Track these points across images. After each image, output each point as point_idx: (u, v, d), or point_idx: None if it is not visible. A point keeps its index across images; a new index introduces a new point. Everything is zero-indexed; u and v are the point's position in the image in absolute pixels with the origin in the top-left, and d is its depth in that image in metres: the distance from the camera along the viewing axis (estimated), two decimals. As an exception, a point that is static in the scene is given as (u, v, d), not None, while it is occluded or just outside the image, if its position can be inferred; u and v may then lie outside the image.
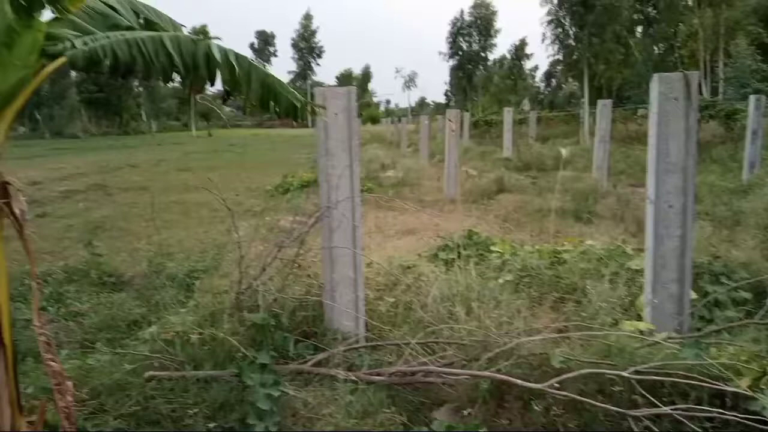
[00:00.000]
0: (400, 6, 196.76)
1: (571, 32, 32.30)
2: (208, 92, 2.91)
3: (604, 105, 12.30)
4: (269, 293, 3.87)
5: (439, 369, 3.12)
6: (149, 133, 60.19)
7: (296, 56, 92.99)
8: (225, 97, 2.67)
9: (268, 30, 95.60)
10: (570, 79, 47.33)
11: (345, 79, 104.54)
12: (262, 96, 2.59)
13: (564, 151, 6.56)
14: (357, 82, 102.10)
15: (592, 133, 28.04)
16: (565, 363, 3.06)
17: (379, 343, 3.58)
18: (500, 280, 4.76)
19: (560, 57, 35.44)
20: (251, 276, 3.96)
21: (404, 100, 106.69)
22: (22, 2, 2.04)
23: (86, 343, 4.25)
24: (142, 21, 2.80)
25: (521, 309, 3.96)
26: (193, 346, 3.34)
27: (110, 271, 6.16)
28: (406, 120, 42.26)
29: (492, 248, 5.91)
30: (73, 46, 2.31)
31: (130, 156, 25.52)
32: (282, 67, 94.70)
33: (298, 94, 2.75)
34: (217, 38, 2.92)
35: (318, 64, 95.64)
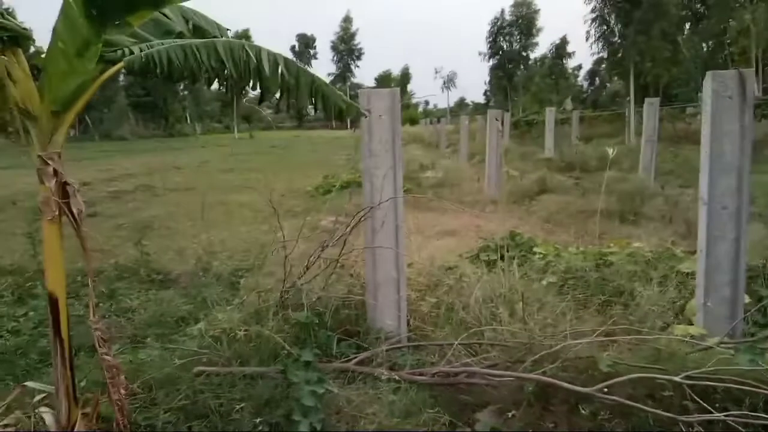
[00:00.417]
0: (439, 6, 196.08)
1: (616, 30, 31.51)
2: (252, 95, 2.98)
3: (651, 104, 11.98)
4: (312, 292, 3.93)
5: (483, 370, 3.10)
6: (193, 135, 61.76)
7: (336, 58, 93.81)
8: (278, 101, 2.72)
9: (309, 33, 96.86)
10: (615, 78, 46.18)
11: (384, 80, 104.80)
12: (311, 98, 2.64)
13: (611, 151, 6.39)
14: (395, 83, 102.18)
15: (637, 133, 27.36)
16: (613, 367, 3.00)
17: (421, 343, 3.59)
18: (544, 282, 4.69)
19: (604, 55, 34.65)
20: (295, 275, 4.03)
21: (443, 100, 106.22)
22: (96, 18, 2.13)
23: (136, 338, 4.41)
24: (191, 27, 2.89)
25: (566, 312, 3.90)
26: (239, 343, 3.41)
27: (158, 269, 6.35)
28: (444, 120, 42.10)
29: (535, 249, 5.83)
30: (131, 52, 2.40)
31: (175, 157, 26.23)
32: (321, 69, 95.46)
33: (344, 96, 2.79)
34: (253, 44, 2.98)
35: (357, 66, 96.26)
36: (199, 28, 2.94)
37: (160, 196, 13.38)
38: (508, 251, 5.40)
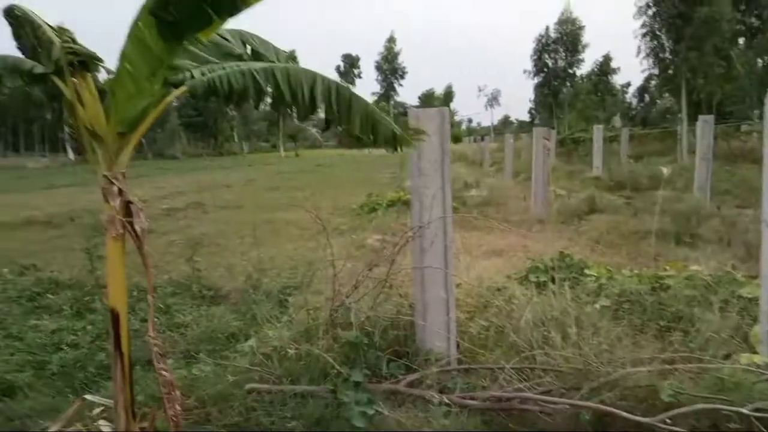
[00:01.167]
0: (482, 24, 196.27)
1: (667, 45, 30.70)
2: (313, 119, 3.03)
3: (706, 121, 11.59)
4: (361, 311, 3.93)
5: (537, 396, 3.02)
6: (241, 154, 63.36)
7: (380, 78, 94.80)
8: (327, 126, 2.76)
9: (354, 53, 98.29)
10: (665, 95, 44.95)
11: (427, 99, 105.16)
12: (362, 126, 2.67)
13: (665, 170, 6.20)
14: (439, 101, 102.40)
15: (690, 151, 26.47)
16: (675, 397, 2.89)
17: (472, 366, 3.53)
18: (597, 305, 4.56)
19: (655, 71, 33.74)
20: (343, 294, 4.04)
21: (486, 118, 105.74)
22: (169, 36, 2.22)
23: (189, 353, 4.49)
24: (249, 51, 2.97)
25: (622, 337, 3.77)
26: (290, 361, 3.44)
27: (209, 285, 6.49)
28: (488, 139, 41.85)
29: (586, 271, 5.68)
30: (192, 76, 2.49)
31: (224, 176, 26.92)
32: (366, 88, 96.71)
33: (394, 124, 2.81)
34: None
35: (401, 85, 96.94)
36: (257, 52, 3.03)
37: (209, 214, 13.72)
38: (558, 273, 5.29)
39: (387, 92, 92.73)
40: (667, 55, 30.77)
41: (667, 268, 5.81)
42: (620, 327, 3.96)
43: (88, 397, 3.15)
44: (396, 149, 2.83)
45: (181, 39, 2.27)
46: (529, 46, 63.37)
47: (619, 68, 56.89)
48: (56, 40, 2.65)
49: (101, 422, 3.03)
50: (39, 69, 2.74)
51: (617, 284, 5.08)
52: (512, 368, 3.29)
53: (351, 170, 30.72)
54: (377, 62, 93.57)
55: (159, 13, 2.17)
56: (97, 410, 3.18)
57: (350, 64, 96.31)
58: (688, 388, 2.98)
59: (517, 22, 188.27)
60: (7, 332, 5.11)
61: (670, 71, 31.26)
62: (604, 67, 57.33)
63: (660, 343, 4.09)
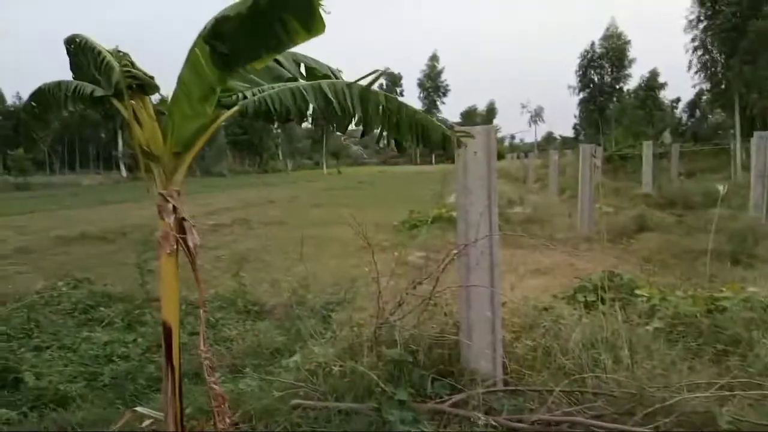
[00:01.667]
0: (525, 41, 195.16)
1: (719, 59, 29.79)
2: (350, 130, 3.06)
3: (761, 137, 11.16)
4: (405, 329, 3.90)
5: (588, 421, 2.92)
6: (285, 171, 64.52)
7: (422, 95, 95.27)
8: (377, 139, 2.79)
9: (396, 72, 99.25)
10: (717, 110, 43.52)
11: (469, 115, 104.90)
12: (413, 132, 2.68)
13: (721, 187, 5.96)
14: (481, 118, 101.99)
15: (744, 168, 25.48)
16: (734, 424, 2.75)
17: (518, 387, 3.45)
18: (650, 328, 4.40)
19: (706, 86, 32.79)
20: (386, 311, 4.03)
21: (530, 135, 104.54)
22: (221, 65, 2.30)
23: (236, 367, 4.56)
24: (303, 70, 3.05)
25: (676, 361, 3.63)
26: (334, 378, 3.44)
27: (254, 300, 6.58)
28: (532, 155, 41.34)
29: (637, 291, 5.51)
30: (244, 96, 2.56)
31: (269, 192, 27.43)
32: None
33: (445, 127, 2.81)
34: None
35: (443, 103, 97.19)
36: (311, 69, 3.10)
37: (255, 230, 13.98)
38: (607, 292, 5.15)
39: (429, 109, 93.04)
40: (720, 69, 29.84)
41: (723, 289, 5.56)
42: (674, 350, 3.82)
43: (138, 409, 3.22)
44: (445, 150, 2.85)
45: (232, 69, 2.35)
46: (574, 62, 62.68)
47: (666, 83, 55.40)
48: (116, 64, 2.78)
49: (151, 434, 3.09)
50: (99, 92, 2.87)
51: (670, 306, 4.89)
52: (561, 391, 3.19)
53: (392, 187, 30.84)
54: (419, 80, 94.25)
55: (213, 42, 2.24)
56: (147, 422, 3.26)
57: (392, 82, 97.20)
58: (748, 415, 2.84)
59: (560, 37, 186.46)
60: (61, 343, 5.29)
61: (723, 86, 30.29)
62: (651, 82, 55.97)
63: (717, 367, 3.91)
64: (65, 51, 3.20)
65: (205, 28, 2.23)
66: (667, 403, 2.83)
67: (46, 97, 3.10)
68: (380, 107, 2.66)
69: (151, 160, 2.67)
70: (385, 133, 2.73)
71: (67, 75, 3.21)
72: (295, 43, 2.20)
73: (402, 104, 2.74)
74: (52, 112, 3.21)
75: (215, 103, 2.56)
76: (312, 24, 2.12)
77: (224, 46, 2.20)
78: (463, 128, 3.63)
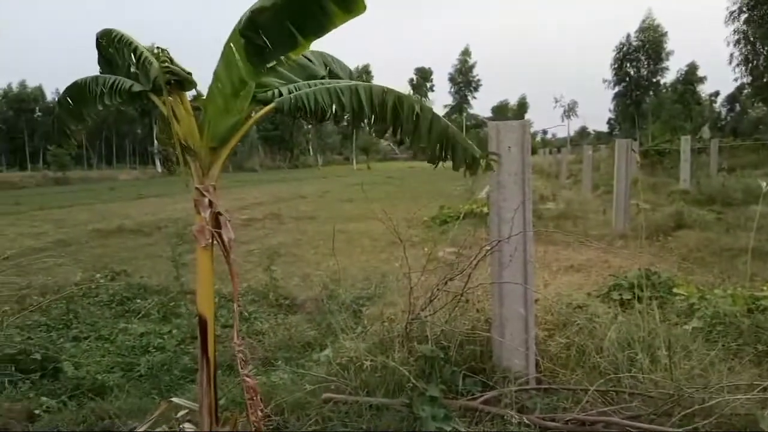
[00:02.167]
0: (558, 34, 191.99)
1: (762, 52, 28.76)
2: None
3: (808, 131, 10.73)
4: (436, 325, 3.88)
5: (624, 422, 2.86)
6: (315, 166, 64.98)
7: (453, 90, 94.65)
8: (400, 143, 2.78)
9: (426, 66, 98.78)
10: (758, 104, 42.08)
11: (500, 110, 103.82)
12: (440, 146, 2.67)
13: (764, 184, 5.75)
14: (512, 113, 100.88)
15: (788, 163, 24.59)
16: (777, 428, 2.65)
17: (552, 386, 3.40)
18: (688, 327, 4.29)
19: (746, 80, 31.72)
20: (418, 307, 4.01)
21: (563, 130, 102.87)
22: (258, 57, 2.32)
23: (268, 360, 4.61)
24: (327, 72, 3.06)
25: (716, 361, 3.53)
26: (365, 373, 3.44)
27: (285, 294, 6.65)
28: (565, 150, 40.71)
29: (674, 290, 5.37)
30: (280, 93, 2.57)
31: (299, 188, 27.70)
32: (438, 100, 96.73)
33: (475, 147, 2.78)
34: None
35: (474, 97, 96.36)
36: (334, 73, 3.11)
37: (286, 224, 14.11)
38: (644, 291, 5.03)
39: (460, 104, 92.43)
40: (762, 62, 28.83)
41: (765, 288, 5.39)
42: (714, 351, 3.71)
43: (174, 399, 3.28)
44: (474, 173, 2.81)
45: (268, 60, 2.36)
46: (608, 55, 61.40)
47: (705, 77, 53.71)
48: (154, 60, 2.82)
49: (186, 425, 3.15)
50: (138, 87, 2.91)
51: (709, 305, 4.76)
52: (596, 390, 3.14)
53: (421, 182, 30.72)
54: (450, 74, 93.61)
55: (248, 34, 2.25)
56: (182, 412, 3.31)
57: (423, 77, 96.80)
58: (793, 419, 2.73)
59: (595, 30, 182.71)
60: (98, 334, 5.44)
61: (765, 79, 29.25)
62: (690, 76, 54.37)
63: (757, 369, 3.80)
64: (95, 45, 3.22)
65: (240, 21, 2.24)
66: (706, 404, 2.75)
67: (82, 91, 3.13)
68: (414, 117, 2.65)
69: (188, 154, 2.70)
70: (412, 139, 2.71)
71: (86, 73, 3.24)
72: (335, 26, 2.18)
73: (435, 116, 2.72)
74: (88, 107, 3.23)
75: (250, 98, 2.58)
76: (352, 3, 2.08)
77: (260, 37, 2.20)
78: (493, 152, 3.59)
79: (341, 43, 3.33)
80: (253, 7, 2.10)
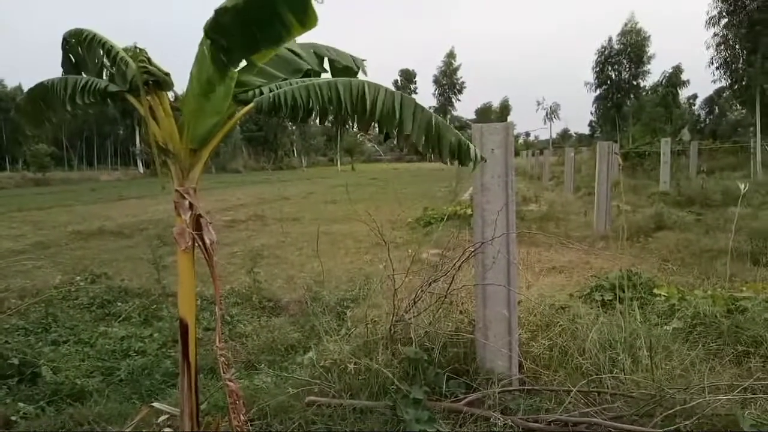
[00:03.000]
0: (540, 37, 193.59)
1: (741, 55, 29.19)
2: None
3: (785, 134, 10.93)
4: (420, 327, 3.88)
5: (606, 422, 2.88)
6: (300, 167, 64.72)
7: (437, 92, 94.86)
8: (385, 138, 2.75)
9: (410, 68, 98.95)
10: (737, 107, 42.77)
11: (484, 113, 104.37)
12: (427, 138, 2.64)
13: (743, 186, 5.85)
14: (495, 115, 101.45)
15: (765, 165, 25.04)
16: (757, 427, 2.69)
17: (535, 387, 3.42)
18: (668, 328, 4.34)
19: (725, 83, 32.18)
20: (402, 308, 4.01)
21: (545, 132, 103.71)
22: (223, 59, 2.28)
23: (251, 363, 4.57)
24: (326, 63, 3.02)
25: (696, 362, 3.57)
26: (349, 375, 3.43)
27: (269, 296, 6.60)
28: (548, 152, 41.05)
29: (655, 291, 5.43)
30: (261, 92, 2.54)
31: (283, 189, 27.51)
32: (422, 102, 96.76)
33: (462, 137, 2.76)
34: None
35: (459, 100, 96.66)
36: (334, 61, 3.07)
37: (269, 226, 14.02)
38: (625, 292, 5.08)
39: (444, 107, 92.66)
40: (741, 65, 29.29)
41: (744, 289, 5.48)
42: (694, 351, 3.76)
43: (155, 404, 3.24)
44: (461, 163, 2.78)
45: (233, 62, 2.32)
46: (590, 58, 61.95)
47: (688, 81, 54.37)
48: (130, 60, 2.77)
49: (167, 430, 3.11)
50: (113, 88, 2.85)
51: (690, 305, 4.82)
52: (579, 391, 3.15)
53: (406, 184, 30.78)
54: (435, 76, 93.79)
55: (214, 36, 2.21)
56: (162, 417, 3.27)
57: (407, 78, 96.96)
58: (773, 419, 2.77)
59: (576, 33, 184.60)
60: (78, 338, 5.34)
61: (744, 81, 29.74)
62: (674, 79, 55.02)
63: (737, 369, 3.85)
64: (61, 46, 3.09)
65: (207, 21, 2.21)
66: (687, 405, 2.78)
67: (46, 92, 3.02)
68: (395, 110, 2.62)
69: (167, 156, 2.66)
70: (396, 133, 2.68)
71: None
72: (291, 37, 2.17)
73: (419, 107, 2.69)
74: (53, 109, 3.10)
75: (228, 99, 2.55)
76: (305, 17, 2.09)
77: (224, 39, 2.17)
78: (480, 134, 3.60)
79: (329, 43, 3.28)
80: (218, 7, 2.06)
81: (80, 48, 2.97)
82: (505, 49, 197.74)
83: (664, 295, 5.26)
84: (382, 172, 47.98)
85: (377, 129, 2.73)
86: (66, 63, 3.12)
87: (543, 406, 3.23)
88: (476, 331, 3.76)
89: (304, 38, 2.56)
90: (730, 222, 9.56)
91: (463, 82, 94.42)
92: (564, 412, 3.06)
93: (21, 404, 3.76)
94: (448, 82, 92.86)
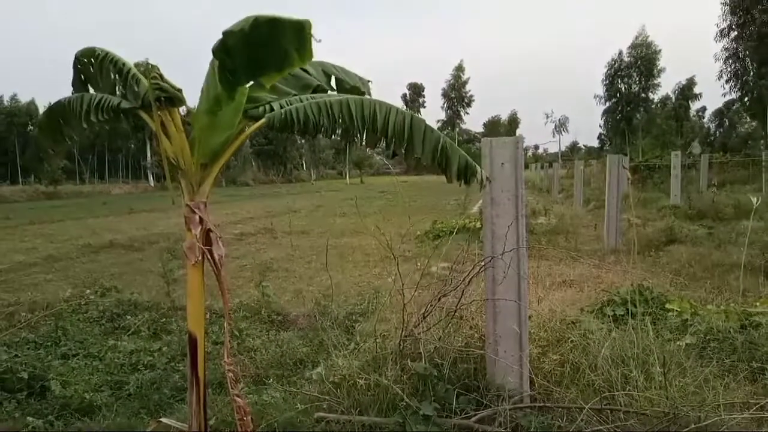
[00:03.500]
0: (552, 50, 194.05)
1: (751, 68, 29.13)
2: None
3: (797, 147, 10.84)
4: (429, 342, 3.85)
5: (620, 440, 2.83)
6: (309, 180, 65.01)
7: (445, 105, 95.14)
8: (393, 155, 2.77)
9: (419, 82, 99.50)
10: (747, 119, 42.54)
11: (492, 125, 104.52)
12: (434, 157, 2.65)
13: (755, 199, 5.80)
14: (504, 128, 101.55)
15: (777, 178, 24.76)
16: (775, 447, 2.63)
17: (547, 404, 3.37)
18: (681, 343, 4.28)
19: (734, 96, 32.11)
20: (412, 323, 3.98)
21: (554, 145, 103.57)
22: (229, 78, 2.31)
23: (259, 377, 4.55)
24: (333, 82, 3.04)
25: (710, 378, 3.51)
26: (358, 391, 3.40)
27: (277, 310, 6.58)
28: (557, 165, 40.99)
29: (667, 306, 5.37)
30: (271, 108, 2.56)
31: (293, 202, 27.60)
32: (430, 116, 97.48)
33: (468, 158, 2.77)
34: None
35: (467, 113, 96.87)
36: (342, 81, 3.10)
37: (279, 239, 14.05)
38: (636, 306, 5.03)
39: (452, 120, 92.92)
40: (751, 78, 29.20)
41: (758, 304, 5.40)
42: (708, 367, 3.70)
43: (163, 420, 3.22)
44: (468, 183, 2.78)
45: (239, 83, 2.37)
46: (600, 71, 62.08)
47: (701, 94, 54.13)
48: (142, 77, 2.80)
49: (175, 445, 3.09)
50: (126, 104, 2.89)
51: (702, 321, 4.76)
52: (591, 409, 3.11)
53: (414, 197, 30.76)
54: (444, 89, 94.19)
55: (220, 55, 2.25)
56: (171, 432, 3.25)
57: (415, 92, 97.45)
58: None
59: (586, 46, 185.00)
60: (87, 352, 5.35)
61: (755, 94, 29.62)
62: (686, 92, 54.82)
63: (752, 386, 3.79)
64: (72, 65, 3.17)
65: (216, 42, 2.24)
66: (702, 423, 2.73)
67: (64, 110, 3.09)
68: (405, 129, 2.64)
69: (178, 171, 2.68)
70: (405, 151, 2.70)
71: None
72: (291, 67, 2.29)
73: (428, 128, 2.72)
74: (70, 127, 3.19)
75: (240, 114, 2.57)
76: (303, 52, 2.22)
77: (230, 60, 2.22)
78: (490, 148, 3.60)
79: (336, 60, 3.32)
80: (226, 29, 2.12)
81: (91, 67, 3.02)
82: (513, 62, 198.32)
83: (677, 310, 5.19)
84: (391, 184, 48.00)
85: (386, 146, 2.74)
86: (76, 81, 3.18)
87: (555, 423, 3.19)
88: (486, 346, 3.72)
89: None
90: (742, 236, 9.47)
91: (471, 96, 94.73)
92: (576, 429, 3.01)
93: (30, 418, 3.75)
94: (457, 95, 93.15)
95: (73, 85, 3.20)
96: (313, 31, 2.13)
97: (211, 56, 2.45)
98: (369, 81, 3.23)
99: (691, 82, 55.00)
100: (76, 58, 3.12)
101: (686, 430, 2.71)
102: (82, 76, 3.16)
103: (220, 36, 2.14)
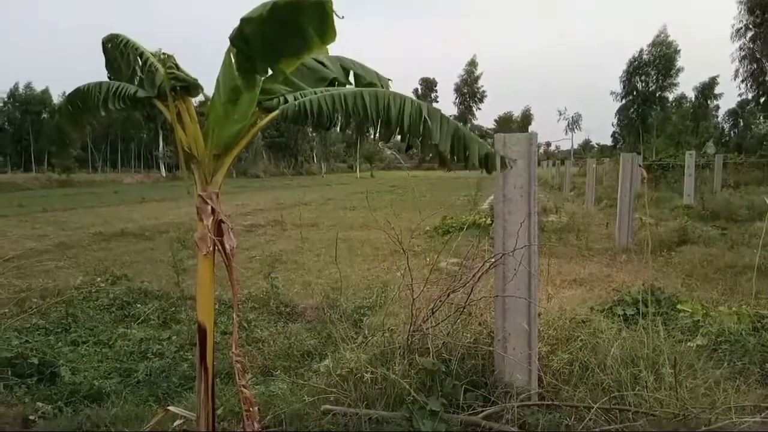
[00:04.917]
0: (565, 47, 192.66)
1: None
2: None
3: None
4: (438, 338, 3.84)
5: (628, 441, 2.81)
6: (319, 173, 65.14)
7: (457, 101, 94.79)
8: (408, 147, 2.74)
9: (431, 77, 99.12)
10: (763, 119, 42.00)
11: (504, 122, 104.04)
12: (453, 147, 2.62)
13: (769, 201, 5.73)
14: (516, 125, 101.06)
15: (793, 180, 24.47)
16: (786, 452, 2.60)
17: (555, 402, 3.35)
18: (692, 345, 4.24)
19: (748, 96, 31.71)
20: (420, 318, 3.97)
21: (566, 142, 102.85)
22: (247, 66, 2.30)
23: (267, 369, 4.56)
24: (351, 77, 3.02)
25: (721, 380, 3.47)
26: (365, 384, 3.40)
27: (286, 301, 6.60)
28: (569, 163, 40.74)
29: (679, 306, 5.32)
30: (285, 100, 2.55)
31: (303, 194, 27.66)
32: (442, 111, 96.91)
33: (487, 146, 2.74)
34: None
35: (479, 109, 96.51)
36: (360, 76, 3.07)
37: (288, 231, 14.08)
38: (647, 307, 4.98)
39: (464, 115, 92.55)
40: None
41: (771, 306, 5.34)
42: (719, 369, 3.66)
43: (171, 408, 3.23)
44: (488, 171, 2.75)
45: (257, 71, 2.34)
46: (614, 69, 61.59)
47: (722, 94, 53.29)
48: (159, 66, 2.80)
49: (183, 434, 3.10)
50: (142, 93, 2.89)
51: (714, 322, 4.72)
52: (600, 408, 3.08)
53: (425, 191, 30.71)
54: (456, 84, 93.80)
55: (238, 44, 2.23)
56: (178, 421, 3.27)
57: (428, 87, 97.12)
58: (803, 444, 2.68)
59: (600, 44, 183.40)
60: (97, 339, 5.40)
61: (771, 94, 29.26)
62: (706, 92, 54.11)
63: (764, 389, 3.75)
64: (102, 50, 3.19)
65: (233, 30, 2.23)
66: (712, 425, 2.70)
67: (84, 97, 3.10)
68: (421, 119, 2.61)
69: (192, 161, 2.68)
70: (421, 142, 2.67)
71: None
72: (311, 51, 2.21)
73: (444, 118, 2.68)
74: (90, 112, 3.21)
75: (253, 106, 2.56)
76: (325, 32, 2.12)
77: (248, 48, 2.19)
78: (503, 144, 3.57)
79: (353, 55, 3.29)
80: (244, 16, 2.09)
81: (116, 52, 3.04)
82: (526, 58, 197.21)
83: (688, 311, 5.15)
84: (402, 179, 48.00)
85: (400, 139, 2.72)
86: (108, 67, 3.21)
87: (563, 422, 3.17)
88: (495, 343, 3.70)
89: (331, 51, 2.57)
90: (756, 237, 9.37)
91: (484, 91, 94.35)
92: (584, 429, 2.99)
93: (39, 404, 3.79)
94: (469, 90, 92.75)
95: (107, 69, 3.24)
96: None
97: (225, 46, 2.44)
98: (389, 80, 3.20)
99: (713, 82, 54.15)
100: (102, 43, 3.15)
101: (696, 432, 2.68)
102: (110, 62, 3.19)
103: (238, 23, 2.12)
